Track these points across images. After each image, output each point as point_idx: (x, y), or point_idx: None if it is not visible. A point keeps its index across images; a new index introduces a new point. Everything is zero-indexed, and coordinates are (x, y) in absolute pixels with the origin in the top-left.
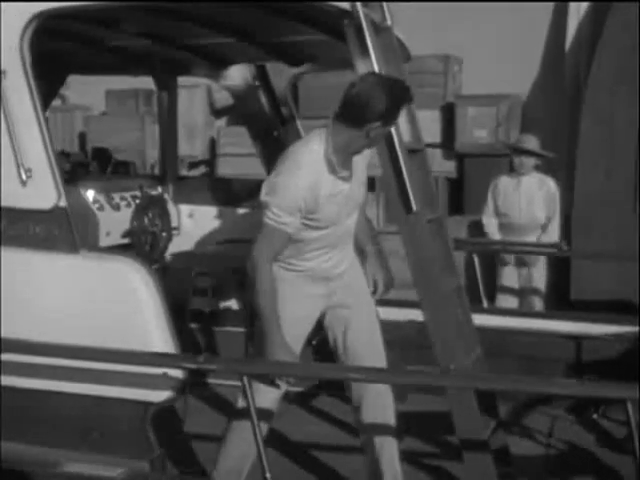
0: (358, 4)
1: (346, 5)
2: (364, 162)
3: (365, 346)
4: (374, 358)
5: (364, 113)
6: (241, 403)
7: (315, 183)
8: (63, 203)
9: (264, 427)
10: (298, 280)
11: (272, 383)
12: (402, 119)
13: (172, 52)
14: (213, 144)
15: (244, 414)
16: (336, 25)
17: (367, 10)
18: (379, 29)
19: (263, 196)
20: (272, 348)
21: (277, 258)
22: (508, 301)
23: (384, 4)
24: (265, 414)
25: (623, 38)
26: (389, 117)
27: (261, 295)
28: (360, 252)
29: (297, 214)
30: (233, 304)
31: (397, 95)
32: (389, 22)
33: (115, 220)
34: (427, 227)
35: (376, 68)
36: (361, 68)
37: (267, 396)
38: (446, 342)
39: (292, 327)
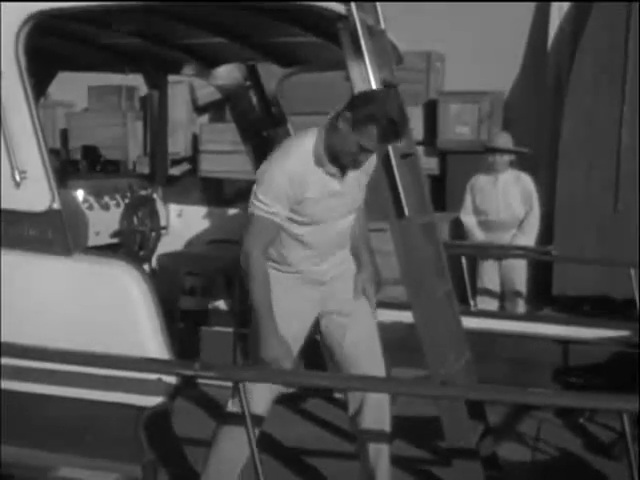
0: (353, 7)
1: (341, 9)
2: (369, 166)
3: (364, 354)
4: (373, 366)
5: (363, 127)
6: (231, 407)
7: (302, 173)
8: (57, 205)
9: (256, 431)
10: (289, 280)
11: None
12: None
13: (164, 51)
14: (195, 141)
15: (235, 418)
16: (329, 27)
17: (362, 14)
18: (373, 32)
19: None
20: (266, 341)
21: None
22: (490, 298)
23: (378, 7)
24: (257, 419)
25: (604, 37)
26: (385, 139)
27: (256, 287)
28: (355, 259)
29: (284, 202)
30: (222, 304)
31: (389, 128)
32: (382, 25)
33: (104, 220)
34: (419, 232)
35: (370, 72)
36: (354, 71)
37: (260, 401)
38: (436, 346)
39: (287, 324)
